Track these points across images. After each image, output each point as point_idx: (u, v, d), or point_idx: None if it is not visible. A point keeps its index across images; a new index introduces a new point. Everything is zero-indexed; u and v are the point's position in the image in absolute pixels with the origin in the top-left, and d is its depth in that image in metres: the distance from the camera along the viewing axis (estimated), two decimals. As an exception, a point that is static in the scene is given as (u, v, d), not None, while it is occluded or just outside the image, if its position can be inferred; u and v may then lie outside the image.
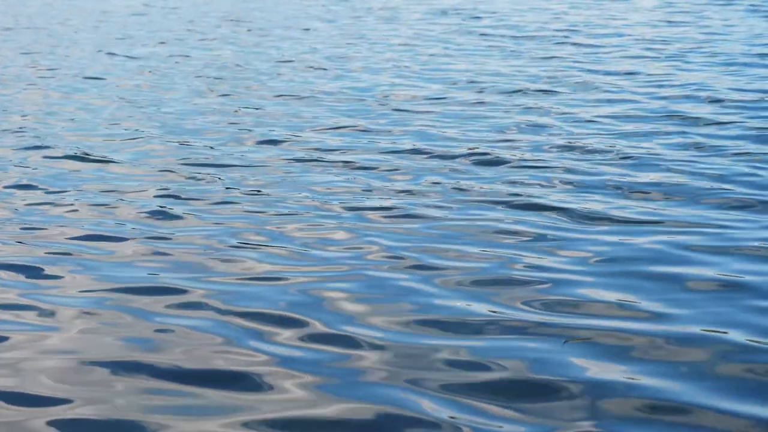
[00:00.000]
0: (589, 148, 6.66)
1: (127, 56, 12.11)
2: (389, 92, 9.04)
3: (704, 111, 7.68)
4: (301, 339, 3.90)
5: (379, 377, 3.56)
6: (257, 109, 8.56)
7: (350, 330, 3.97)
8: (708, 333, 3.80)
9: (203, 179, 6.30)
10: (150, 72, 10.83)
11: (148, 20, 16.17)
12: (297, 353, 3.77)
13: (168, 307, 4.27)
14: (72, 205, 5.85)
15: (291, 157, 6.80)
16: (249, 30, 14.28)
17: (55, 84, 10.30)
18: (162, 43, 13.25)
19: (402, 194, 5.81)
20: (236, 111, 8.48)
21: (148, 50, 12.57)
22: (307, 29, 14.04)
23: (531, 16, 14.52)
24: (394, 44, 12.19)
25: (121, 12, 17.63)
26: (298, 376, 3.59)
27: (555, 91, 8.75)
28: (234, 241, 5.08)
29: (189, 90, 9.63)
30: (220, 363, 3.72)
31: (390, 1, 17.36)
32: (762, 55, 10.14)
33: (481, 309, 4.12)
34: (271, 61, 11.25)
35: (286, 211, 5.58)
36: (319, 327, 4.00)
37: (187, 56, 11.91)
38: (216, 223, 5.40)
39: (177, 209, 5.68)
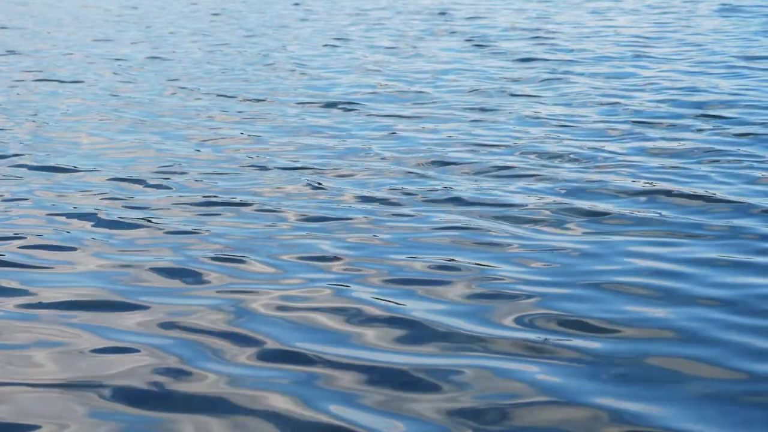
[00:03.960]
0: (558, 153, 6.54)
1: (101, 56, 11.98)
2: (356, 95, 8.92)
3: (680, 114, 7.57)
4: (258, 358, 3.75)
5: (338, 396, 3.41)
6: (223, 111, 8.43)
7: (308, 347, 3.82)
8: (686, 350, 3.66)
9: (157, 185, 6.16)
10: (116, 73, 10.70)
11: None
12: (252, 373, 3.62)
13: (118, 323, 4.12)
14: (22, 212, 5.71)
15: (249, 163, 6.66)
16: (229, 29, 14.16)
17: (26, 84, 10.15)
18: (134, 43, 13.12)
19: (364, 201, 5.67)
20: (203, 116, 8.35)
21: (119, 50, 12.44)
22: (285, 27, 13.92)
23: (513, 16, 14.43)
24: (371, 46, 12.08)
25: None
26: (253, 397, 3.44)
27: (528, 95, 8.65)
28: (189, 254, 4.93)
29: (155, 91, 9.50)
30: (176, 384, 3.56)
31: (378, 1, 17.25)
32: (746, 58, 10.04)
33: (448, 322, 3.97)
34: (242, 61, 11.13)
35: (238, 220, 5.43)
36: (276, 345, 3.85)
37: (159, 57, 11.79)
38: (167, 233, 5.24)
39: (124, 216, 5.54)
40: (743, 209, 5.28)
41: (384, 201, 5.69)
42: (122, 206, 5.78)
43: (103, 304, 4.32)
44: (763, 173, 5.93)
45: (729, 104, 7.89)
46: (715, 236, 4.89)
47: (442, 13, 15.23)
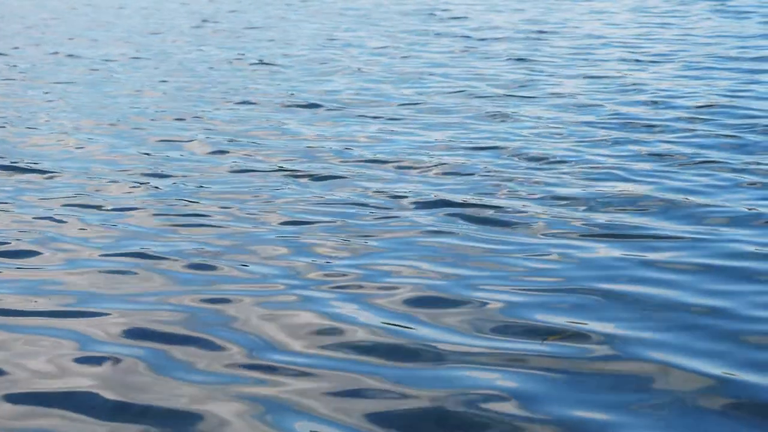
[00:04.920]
0: (545, 156, 6.46)
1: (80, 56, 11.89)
2: (342, 96, 8.84)
3: (668, 117, 7.50)
4: (226, 366, 3.67)
5: (305, 407, 3.33)
6: (208, 113, 8.36)
7: (276, 357, 3.74)
8: (670, 362, 3.59)
9: (139, 187, 6.08)
10: (98, 71, 10.61)
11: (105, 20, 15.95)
12: (220, 381, 3.54)
13: (86, 330, 4.04)
14: None
15: (232, 165, 6.58)
16: (216, 31, 14.07)
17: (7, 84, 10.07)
18: (125, 42, 13.03)
19: (343, 205, 5.60)
20: (188, 118, 8.27)
21: (103, 50, 12.36)
22: (273, 28, 13.84)
23: (505, 17, 14.36)
24: (360, 46, 12.01)
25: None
26: (222, 405, 3.36)
27: (517, 96, 8.57)
28: (166, 259, 4.86)
29: (138, 92, 9.42)
30: (144, 395, 3.49)
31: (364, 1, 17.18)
32: (732, 59, 9.98)
33: (423, 332, 3.90)
34: (229, 61, 11.06)
35: (218, 223, 5.36)
36: (244, 353, 3.77)
37: (145, 57, 11.70)
38: (147, 237, 5.17)
39: (98, 220, 5.46)
40: (728, 215, 5.22)
41: (365, 205, 5.62)
42: (99, 210, 5.70)
43: (70, 311, 4.24)
44: (749, 177, 5.86)
45: (718, 107, 7.82)
46: (698, 242, 4.82)
47: (433, 14, 15.16)
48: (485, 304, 4.16)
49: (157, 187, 6.12)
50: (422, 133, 7.36)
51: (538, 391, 3.39)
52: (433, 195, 5.74)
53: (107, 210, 5.69)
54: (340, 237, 5.08)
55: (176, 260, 4.81)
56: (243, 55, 11.69)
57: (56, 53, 12.46)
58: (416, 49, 11.61)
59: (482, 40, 12.19)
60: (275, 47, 12.23)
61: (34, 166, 6.74)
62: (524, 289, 4.29)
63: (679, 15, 13.78)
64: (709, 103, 7.92)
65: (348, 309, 4.16)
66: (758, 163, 6.15)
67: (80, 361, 3.76)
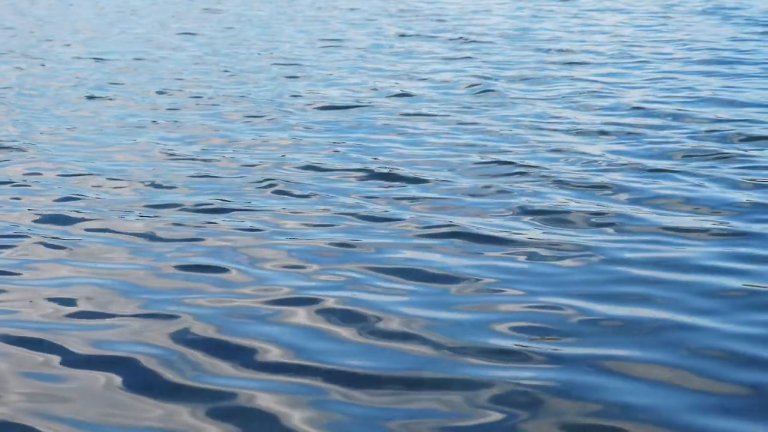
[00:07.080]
0: (514, 162, 6.27)
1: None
2: (314, 102, 8.62)
3: (642, 124, 7.32)
4: (162, 384, 3.43)
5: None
6: (171, 117, 8.15)
7: (206, 377, 3.51)
8: (649, 383, 3.37)
9: (89, 194, 5.86)
10: (60, 72, 10.40)
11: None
12: (156, 400, 3.30)
13: (15, 353, 3.80)
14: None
15: (193, 172, 6.36)
16: (181, 33, 13.89)
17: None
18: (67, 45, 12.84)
19: (305, 215, 5.39)
20: (150, 121, 8.06)
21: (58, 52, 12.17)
22: (249, 30, 13.68)
23: (489, 20, 14.23)
24: (344, 48, 11.84)
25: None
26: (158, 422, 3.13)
27: (493, 101, 8.40)
28: (107, 269, 4.62)
29: (98, 94, 9.21)
30: (75, 414, 3.25)
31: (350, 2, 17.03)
32: (714, 62, 9.83)
33: (374, 353, 3.67)
34: (200, 65, 10.87)
35: (172, 234, 5.13)
36: (189, 372, 3.54)
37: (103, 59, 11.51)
38: (82, 247, 4.94)
39: (45, 230, 5.24)
40: (705, 229, 5.03)
41: (330, 214, 5.42)
42: (46, 217, 5.48)
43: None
44: (720, 185, 5.67)
45: (694, 112, 7.64)
46: (669, 255, 4.63)
47: (417, 15, 15.02)
48: (446, 320, 3.93)
49: (111, 194, 5.90)
50: (396, 139, 7.15)
51: (500, 419, 3.16)
52: (402, 206, 5.54)
53: (54, 216, 5.48)
54: (299, 248, 4.85)
55: (125, 272, 4.58)
56: (214, 57, 11.50)
57: (20, 55, 12.27)
58: (397, 52, 11.44)
59: (459, 41, 12.04)
60: (250, 49, 12.04)
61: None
62: (487, 306, 4.07)
63: (665, 19, 13.67)
64: (685, 110, 7.74)
65: (289, 327, 3.93)
66: (734, 171, 5.96)
67: (15, 382, 3.52)
